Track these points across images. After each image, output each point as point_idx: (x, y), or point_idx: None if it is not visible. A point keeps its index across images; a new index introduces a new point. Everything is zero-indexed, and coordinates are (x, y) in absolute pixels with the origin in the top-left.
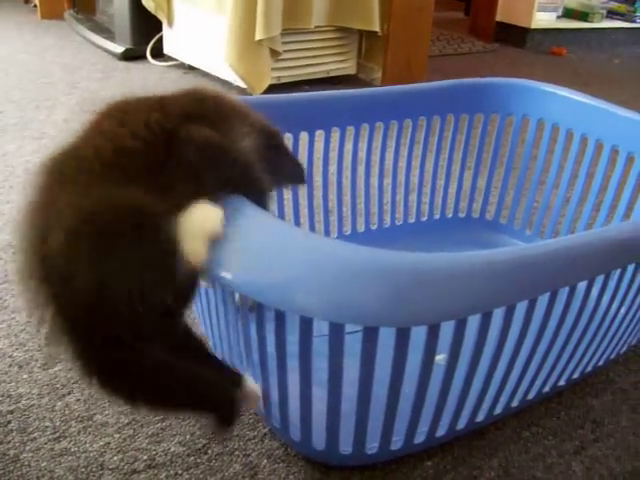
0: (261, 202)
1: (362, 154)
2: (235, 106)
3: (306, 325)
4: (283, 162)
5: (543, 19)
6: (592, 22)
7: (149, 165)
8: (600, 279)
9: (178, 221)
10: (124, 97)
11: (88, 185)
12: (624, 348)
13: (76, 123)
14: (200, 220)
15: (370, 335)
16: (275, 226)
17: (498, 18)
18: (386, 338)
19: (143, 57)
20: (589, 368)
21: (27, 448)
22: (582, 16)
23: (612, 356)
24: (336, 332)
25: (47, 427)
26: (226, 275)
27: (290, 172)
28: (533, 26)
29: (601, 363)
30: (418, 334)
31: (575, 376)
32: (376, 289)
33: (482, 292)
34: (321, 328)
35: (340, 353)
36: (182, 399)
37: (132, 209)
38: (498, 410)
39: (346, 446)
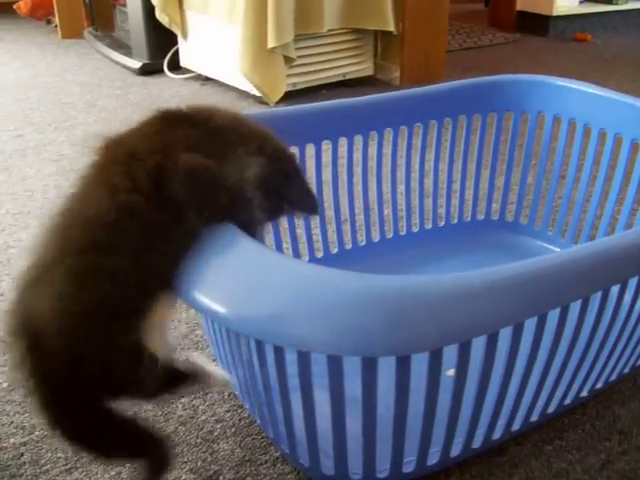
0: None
1: (372, 163)
2: (244, 130)
3: (304, 356)
4: (294, 190)
5: (564, 5)
6: (617, 4)
7: (149, 223)
8: None
9: None
10: (125, 132)
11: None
12: None
13: (93, 143)
14: None
15: (369, 363)
16: (267, 259)
17: (519, 7)
18: (389, 359)
19: (161, 71)
20: (613, 377)
21: None
22: None
23: (639, 362)
24: (334, 363)
25: (59, 458)
26: (221, 312)
27: (301, 201)
28: (555, 13)
29: (627, 370)
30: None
31: (598, 386)
32: (372, 319)
33: (486, 313)
34: None
35: (340, 383)
36: (127, 449)
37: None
38: (516, 426)
39: (356, 470)
